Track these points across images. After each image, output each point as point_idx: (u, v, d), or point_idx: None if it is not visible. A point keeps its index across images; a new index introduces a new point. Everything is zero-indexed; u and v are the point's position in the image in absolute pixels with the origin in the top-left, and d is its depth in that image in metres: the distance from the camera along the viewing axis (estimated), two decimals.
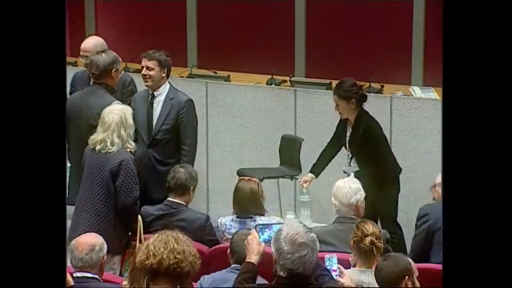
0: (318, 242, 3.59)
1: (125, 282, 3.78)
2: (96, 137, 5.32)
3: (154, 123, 6.03)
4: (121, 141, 5.27)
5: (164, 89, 6.09)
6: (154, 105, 6.06)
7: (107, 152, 5.25)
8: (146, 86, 6.08)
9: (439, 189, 5.19)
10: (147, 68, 6.03)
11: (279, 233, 3.57)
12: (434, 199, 5.38)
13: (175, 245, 3.42)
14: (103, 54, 5.84)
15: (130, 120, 5.37)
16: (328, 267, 4.05)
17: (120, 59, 6.10)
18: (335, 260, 4.13)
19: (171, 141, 5.99)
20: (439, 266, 4.41)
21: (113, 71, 5.86)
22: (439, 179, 5.20)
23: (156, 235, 3.50)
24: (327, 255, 4.18)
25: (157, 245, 3.42)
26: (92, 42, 6.51)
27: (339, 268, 4.13)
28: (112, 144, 5.25)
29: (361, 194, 5.03)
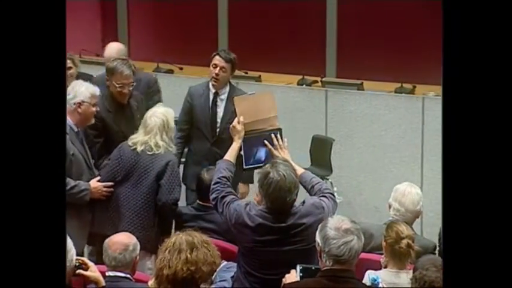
0: (362, 233, 3.63)
1: (150, 282, 3.82)
2: (137, 138, 5.33)
3: (219, 121, 6.10)
4: (165, 143, 5.31)
5: (227, 88, 6.15)
6: (218, 103, 6.12)
7: (153, 153, 5.28)
8: (213, 85, 6.10)
9: None
10: (222, 69, 6.05)
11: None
12: None
13: (189, 256, 3.52)
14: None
15: (172, 124, 5.40)
16: (375, 284, 4.12)
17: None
18: (379, 279, 4.16)
19: None
20: None
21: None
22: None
23: (173, 239, 3.56)
24: (372, 275, 4.19)
25: (172, 254, 3.51)
26: (115, 49, 6.52)
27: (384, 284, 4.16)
28: (157, 146, 5.28)
29: (422, 201, 4.95)
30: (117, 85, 5.71)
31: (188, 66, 8.58)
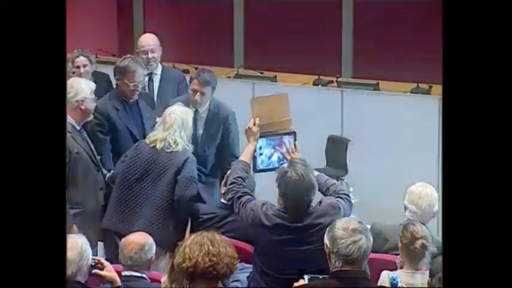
0: (370, 233, 3.64)
1: (164, 279, 3.81)
2: (155, 135, 5.35)
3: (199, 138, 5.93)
4: (182, 141, 5.32)
5: (206, 105, 5.92)
6: (198, 122, 5.92)
7: (171, 151, 5.29)
8: (194, 107, 5.81)
9: None
10: (201, 94, 5.76)
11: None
12: None
13: (210, 247, 3.45)
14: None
15: (190, 123, 5.41)
16: (394, 283, 4.11)
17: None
18: (399, 279, 4.15)
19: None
20: None
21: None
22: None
23: (192, 237, 3.53)
24: (391, 274, 4.18)
25: (192, 248, 3.45)
26: (152, 37, 6.59)
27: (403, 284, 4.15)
28: (176, 143, 5.29)
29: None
30: (130, 84, 5.74)
31: (204, 66, 8.57)
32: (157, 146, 5.30)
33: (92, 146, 5.41)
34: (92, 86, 5.39)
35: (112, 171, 5.51)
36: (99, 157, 5.49)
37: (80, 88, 5.28)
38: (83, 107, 5.26)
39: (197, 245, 3.46)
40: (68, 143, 5.12)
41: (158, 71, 6.60)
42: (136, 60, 5.91)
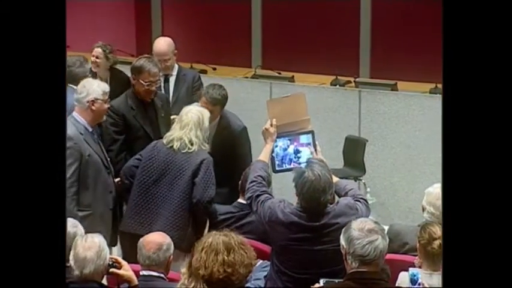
0: (388, 234, 3.65)
1: (181, 281, 3.82)
2: (172, 134, 5.35)
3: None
4: (198, 141, 5.31)
5: (216, 120, 5.83)
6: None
7: (187, 151, 5.30)
8: None
9: None
10: (210, 111, 5.54)
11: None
12: None
13: (226, 258, 3.50)
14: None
15: (207, 123, 5.40)
16: (414, 279, 4.13)
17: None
18: (419, 275, 4.15)
19: None
20: None
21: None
22: None
23: (210, 239, 3.56)
24: (412, 270, 4.18)
25: (209, 255, 3.50)
26: (166, 44, 6.60)
27: (423, 284, 4.14)
28: (191, 143, 5.29)
29: None
30: (144, 83, 5.74)
31: (222, 66, 8.61)
32: (174, 146, 5.30)
33: (103, 148, 5.41)
34: (105, 87, 5.36)
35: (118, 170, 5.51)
36: (109, 157, 5.49)
37: (92, 89, 5.26)
38: (94, 107, 5.24)
39: (213, 253, 3.49)
40: (80, 145, 5.13)
41: (174, 71, 6.62)
42: (152, 60, 5.90)
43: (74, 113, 5.26)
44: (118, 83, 6.47)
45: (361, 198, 4.51)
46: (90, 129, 5.28)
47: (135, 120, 5.78)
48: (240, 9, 9.69)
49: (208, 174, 5.26)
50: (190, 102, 5.79)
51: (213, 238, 3.61)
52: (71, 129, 5.05)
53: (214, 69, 8.50)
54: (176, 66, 6.65)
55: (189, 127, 5.30)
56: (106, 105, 5.34)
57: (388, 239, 3.66)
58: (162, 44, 6.64)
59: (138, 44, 9.80)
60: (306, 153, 4.84)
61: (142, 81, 5.74)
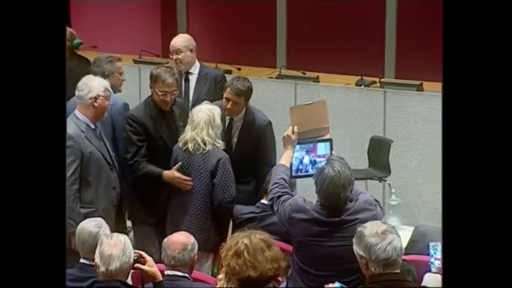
0: (421, 236, 3.64)
1: (220, 276, 3.83)
2: (185, 136, 5.38)
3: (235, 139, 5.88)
4: (210, 139, 5.32)
5: (242, 113, 5.84)
6: (233, 130, 5.86)
7: (201, 152, 5.32)
8: (227, 115, 5.77)
9: None
10: (234, 103, 5.68)
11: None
12: None
13: (270, 253, 3.55)
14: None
15: (218, 121, 5.40)
16: (433, 255, 4.17)
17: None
18: (439, 248, 4.14)
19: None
20: None
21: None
22: None
23: (246, 240, 3.58)
24: (432, 243, 4.18)
25: (252, 254, 3.53)
26: (181, 38, 6.60)
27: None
28: (204, 143, 5.30)
29: None
30: (159, 93, 5.65)
31: (246, 66, 8.61)
32: (189, 148, 5.33)
33: (107, 144, 5.40)
34: (106, 84, 5.40)
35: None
36: (114, 153, 5.48)
37: (93, 86, 5.29)
38: (96, 104, 5.27)
39: (258, 252, 3.54)
40: (81, 143, 5.16)
41: (195, 70, 6.52)
42: (169, 70, 5.80)
43: (76, 111, 5.29)
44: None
45: (375, 200, 4.52)
46: (93, 126, 5.30)
47: (154, 129, 5.68)
48: (265, 9, 9.70)
49: (227, 174, 5.27)
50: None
51: (249, 238, 3.61)
52: (71, 128, 5.09)
53: (239, 69, 8.50)
54: (198, 64, 6.54)
55: (200, 127, 5.32)
56: (107, 102, 5.36)
57: (400, 235, 3.65)
58: (177, 37, 6.61)
59: (164, 44, 9.83)
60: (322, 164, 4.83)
61: (157, 91, 5.68)
